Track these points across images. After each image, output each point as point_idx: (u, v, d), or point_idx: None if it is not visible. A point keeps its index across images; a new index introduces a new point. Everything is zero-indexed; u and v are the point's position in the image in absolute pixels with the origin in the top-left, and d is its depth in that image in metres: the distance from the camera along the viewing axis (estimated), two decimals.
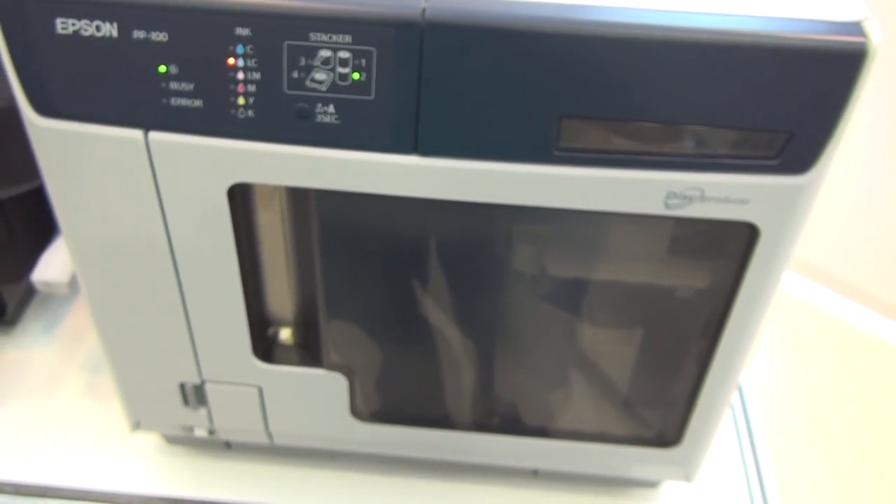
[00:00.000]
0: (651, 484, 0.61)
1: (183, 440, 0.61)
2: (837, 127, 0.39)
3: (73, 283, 0.63)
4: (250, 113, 0.39)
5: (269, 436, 0.56)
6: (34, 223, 0.71)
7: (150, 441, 0.62)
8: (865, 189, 1.69)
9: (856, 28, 0.37)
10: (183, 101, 0.39)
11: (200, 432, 0.56)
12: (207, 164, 0.41)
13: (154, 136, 0.40)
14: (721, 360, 0.49)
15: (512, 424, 0.55)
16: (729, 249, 0.44)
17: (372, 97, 0.39)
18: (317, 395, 0.52)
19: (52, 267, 0.62)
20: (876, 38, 0.37)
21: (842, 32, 0.37)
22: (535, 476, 0.61)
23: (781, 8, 0.38)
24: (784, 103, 0.38)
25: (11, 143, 0.65)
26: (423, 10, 0.37)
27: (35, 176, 0.68)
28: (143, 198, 0.43)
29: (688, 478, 0.56)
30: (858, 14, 0.38)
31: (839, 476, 1.49)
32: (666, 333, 0.49)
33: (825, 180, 0.41)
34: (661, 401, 0.53)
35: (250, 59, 0.38)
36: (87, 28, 0.38)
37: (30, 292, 0.73)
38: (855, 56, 0.37)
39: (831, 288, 1.91)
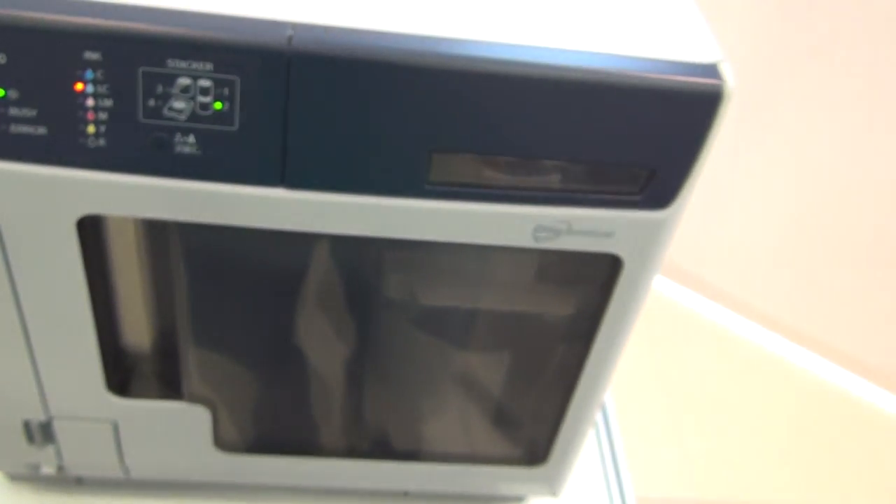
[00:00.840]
0: (517, 499, 0.62)
1: (27, 476, 0.57)
2: (696, 164, 0.40)
3: None
4: (101, 142, 0.37)
5: (126, 470, 0.53)
6: None
7: None
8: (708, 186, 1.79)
9: (712, 70, 0.38)
10: (25, 129, 0.36)
11: (48, 470, 0.53)
12: (53, 195, 0.38)
13: None
14: (586, 381, 0.50)
15: (382, 449, 0.54)
16: (594, 278, 0.45)
17: (235, 128, 0.37)
18: (178, 428, 0.50)
19: None
20: (730, 80, 0.38)
21: (699, 74, 0.38)
22: (405, 497, 0.60)
23: (642, 48, 0.39)
24: (645, 141, 0.39)
25: None
26: (290, 37, 0.36)
27: None
28: None
29: (554, 493, 0.58)
30: (714, 56, 0.39)
31: (688, 458, 1.57)
32: (534, 357, 0.50)
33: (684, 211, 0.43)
34: (529, 421, 0.53)
35: (101, 84, 0.36)
36: None
37: None
38: (712, 98, 0.38)
39: (679, 282, 2.01)
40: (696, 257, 1.89)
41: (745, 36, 1.47)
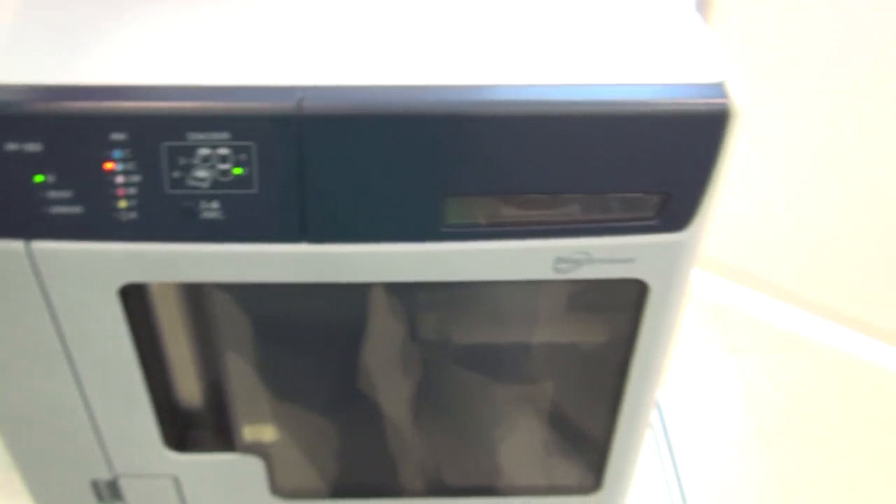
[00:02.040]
0: None
1: None
2: (710, 184, 0.40)
3: None
4: (133, 215, 0.39)
5: None
6: None
7: None
8: (786, 190, 1.75)
9: (718, 90, 0.39)
10: (63, 209, 0.39)
11: None
12: (94, 268, 0.41)
13: (37, 245, 0.40)
14: (629, 406, 0.50)
15: (435, 487, 0.55)
16: (623, 304, 0.45)
17: (255, 190, 0.39)
18: (234, 479, 0.52)
19: None
20: (738, 97, 0.38)
21: (705, 95, 0.38)
22: None
23: (649, 71, 0.39)
24: (657, 166, 0.39)
25: None
26: (300, 100, 0.37)
27: None
28: (32, 305, 0.42)
29: None
30: (721, 75, 0.39)
31: (780, 477, 1.52)
32: (574, 386, 0.50)
33: (705, 232, 0.43)
34: (579, 448, 0.54)
35: (129, 162, 0.38)
36: None
37: None
38: (719, 117, 0.38)
39: (758, 290, 1.96)
40: (773, 265, 1.85)
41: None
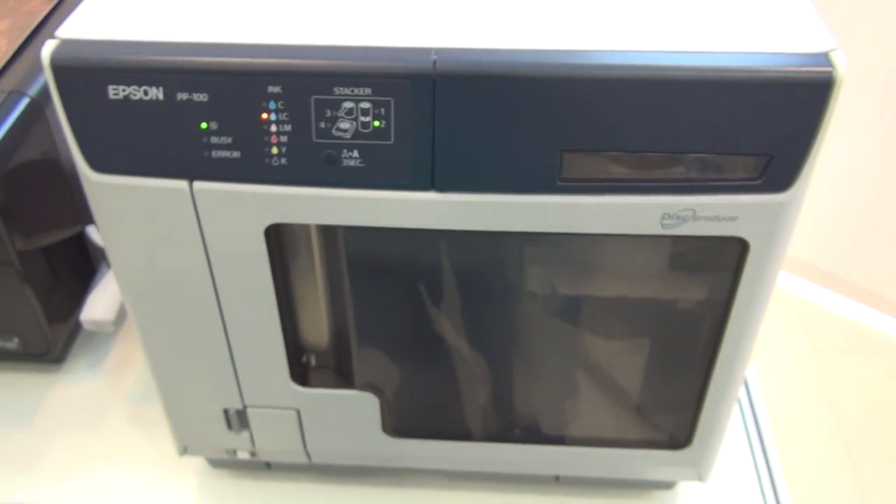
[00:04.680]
0: (667, 485, 0.65)
1: (226, 463, 0.65)
2: (812, 148, 0.43)
3: (118, 321, 0.68)
4: (283, 161, 0.44)
5: (308, 455, 0.60)
6: (76, 266, 0.76)
7: (193, 466, 0.67)
8: (876, 195, 1.73)
9: (823, 59, 0.41)
10: (223, 153, 0.44)
11: (243, 454, 0.61)
12: (246, 208, 0.46)
13: (198, 185, 0.45)
14: (722, 365, 0.52)
15: (532, 434, 0.58)
16: (723, 263, 0.48)
17: (392, 142, 0.43)
18: (350, 414, 0.56)
19: (98, 307, 0.67)
20: (842, 67, 0.41)
21: (811, 64, 0.41)
22: (556, 482, 0.64)
23: (758, 41, 0.42)
24: (763, 130, 0.42)
25: (57, 195, 0.70)
26: (434, 62, 0.41)
27: (77, 223, 0.73)
28: (189, 241, 0.47)
29: (701, 477, 0.60)
30: (826, 45, 0.42)
31: (857, 478, 1.51)
32: (670, 342, 0.53)
33: (806, 194, 0.45)
34: (670, 404, 0.56)
35: (282, 113, 0.43)
36: (136, 93, 0.43)
37: (75, 331, 0.78)
38: (823, 85, 0.41)
39: (844, 293, 1.93)
40: (865, 270, 1.82)
41: None
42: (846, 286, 1.91)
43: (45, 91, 0.68)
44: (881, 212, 1.74)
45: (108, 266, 0.72)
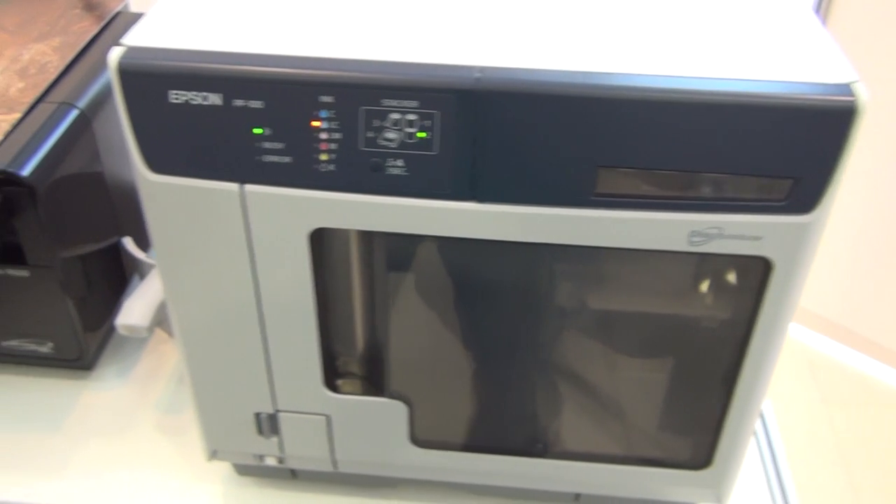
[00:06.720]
0: None
1: (252, 470, 0.67)
2: (836, 172, 0.45)
3: (150, 328, 0.69)
4: (331, 167, 0.46)
5: (334, 463, 0.61)
6: (110, 276, 0.78)
7: (219, 474, 0.68)
8: (887, 248, 1.74)
9: (846, 89, 0.43)
10: (274, 158, 0.46)
11: (271, 461, 0.62)
12: (293, 211, 0.48)
13: (249, 188, 0.47)
14: (744, 385, 0.54)
15: (556, 449, 0.60)
16: (747, 282, 0.50)
17: (435, 152, 0.45)
18: (379, 422, 0.58)
19: (133, 313, 0.69)
20: (864, 98, 0.43)
21: (835, 94, 0.43)
22: (576, 500, 0.65)
23: (788, 72, 0.44)
24: (790, 153, 0.44)
25: (99, 206, 0.72)
26: (478, 79, 0.44)
27: (114, 234, 0.75)
28: (236, 242, 0.50)
29: (719, 500, 0.61)
30: (849, 77, 0.44)
31: None
32: (693, 360, 0.55)
33: (830, 219, 0.47)
34: (692, 423, 0.58)
35: (332, 121, 0.45)
36: (196, 98, 0.45)
37: (105, 339, 0.80)
38: (846, 113, 0.43)
39: (854, 346, 1.94)
40: (871, 322, 1.83)
41: None
42: (855, 339, 1.91)
43: (92, 104, 0.71)
44: (891, 263, 1.75)
45: (141, 277, 0.74)
